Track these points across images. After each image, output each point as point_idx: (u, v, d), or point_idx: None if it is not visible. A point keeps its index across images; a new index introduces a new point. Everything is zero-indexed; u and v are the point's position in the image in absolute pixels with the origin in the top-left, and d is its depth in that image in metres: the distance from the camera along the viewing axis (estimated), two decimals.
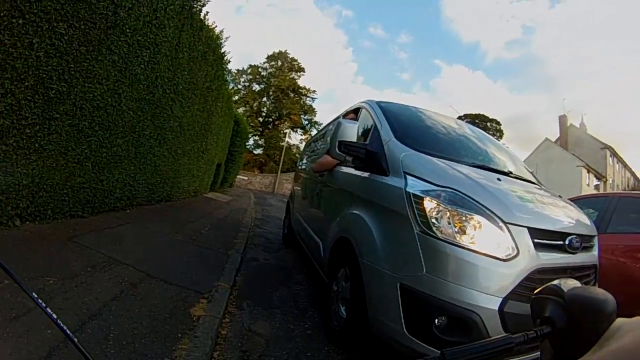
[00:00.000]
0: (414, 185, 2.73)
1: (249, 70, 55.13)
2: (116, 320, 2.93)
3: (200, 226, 7.55)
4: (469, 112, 55.47)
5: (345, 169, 4.07)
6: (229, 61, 11.84)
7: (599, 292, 0.62)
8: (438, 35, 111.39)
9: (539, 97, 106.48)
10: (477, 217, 2.46)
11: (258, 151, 54.52)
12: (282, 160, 45.01)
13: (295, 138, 56.83)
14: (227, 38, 10.77)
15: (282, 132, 53.87)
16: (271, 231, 10.08)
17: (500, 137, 53.83)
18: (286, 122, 53.50)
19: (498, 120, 55.01)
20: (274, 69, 55.34)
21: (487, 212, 2.47)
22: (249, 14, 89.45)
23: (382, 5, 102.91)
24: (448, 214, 2.48)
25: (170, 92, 7.50)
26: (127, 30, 5.36)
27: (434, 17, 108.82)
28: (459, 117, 56.33)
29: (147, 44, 6.12)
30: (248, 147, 54.35)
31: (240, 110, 46.34)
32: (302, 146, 58.52)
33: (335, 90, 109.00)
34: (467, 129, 4.78)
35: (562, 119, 42.04)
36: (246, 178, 43.78)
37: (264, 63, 55.78)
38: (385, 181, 3.04)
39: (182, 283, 4.05)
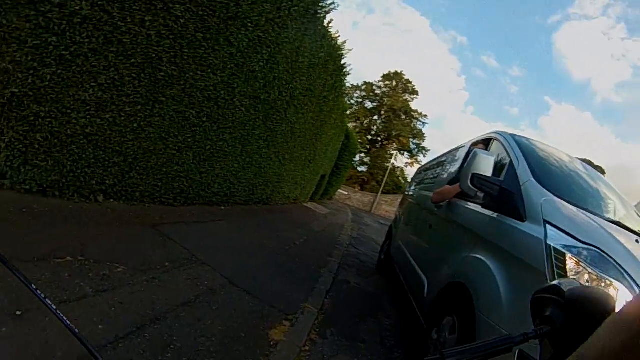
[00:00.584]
0: (556, 238, 2.31)
1: (363, 87, 55.07)
2: (182, 329, 2.48)
3: (295, 236, 7.09)
4: (576, 156, 49.78)
5: (471, 205, 3.48)
6: (348, 74, 11.43)
7: (599, 291, 0.63)
8: (549, 70, 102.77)
9: None
10: (616, 284, 2.09)
11: (362, 168, 54.16)
12: (384, 181, 44.06)
13: (401, 161, 55.60)
14: (349, 50, 10.35)
15: (388, 152, 52.95)
16: (366, 253, 9.35)
17: None
18: (394, 144, 52.45)
19: (603, 168, 48.79)
20: (388, 89, 54.73)
21: (629, 280, 2.11)
22: (364, 30, 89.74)
23: (496, 35, 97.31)
24: (587, 276, 2.13)
25: (287, 96, 7.18)
26: (249, 25, 5.10)
27: (545, 50, 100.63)
28: None
29: (268, 42, 5.83)
30: (353, 163, 54.44)
31: (351, 125, 46.36)
32: (407, 170, 57.06)
33: (444, 117, 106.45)
34: (600, 178, 4.29)
35: None
36: (346, 193, 43.47)
37: (379, 82, 55.41)
38: (520, 227, 2.58)
39: (266, 298, 3.56)
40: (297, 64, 7.19)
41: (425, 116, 53.76)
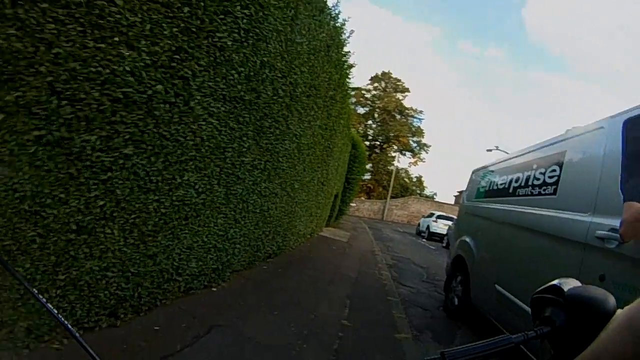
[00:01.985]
0: None
1: (352, 92, 52.61)
2: None
3: (334, 305, 4.52)
4: None
5: None
6: (353, 65, 8.87)
7: (598, 291, 0.61)
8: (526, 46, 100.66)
9: None
10: None
11: (366, 177, 51.51)
12: (391, 185, 41.44)
13: (403, 162, 53.01)
14: (351, 32, 7.79)
15: (389, 155, 50.39)
16: (418, 289, 6.95)
17: None
18: (394, 145, 49.91)
19: None
20: (378, 91, 52.37)
21: None
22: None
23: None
24: None
25: (285, 95, 4.59)
26: None
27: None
28: None
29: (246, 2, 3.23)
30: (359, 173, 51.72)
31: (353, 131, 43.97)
32: (411, 170, 54.56)
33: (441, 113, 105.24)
34: None
35: None
36: (354, 205, 40.66)
37: (367, 85, 53.13)
38: None
39: None
40: (294, 45, 4.61)
41: (421, 112, 51.41)
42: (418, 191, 51.31)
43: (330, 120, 7.45)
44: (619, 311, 0.57)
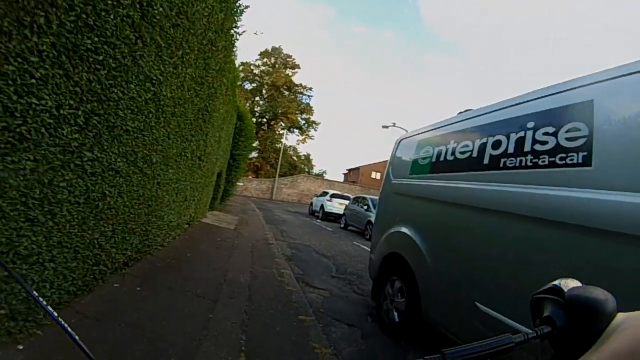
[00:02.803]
0: None
1: (240, 68, 49.82)
2: None
3: (222, 349, 2.80)
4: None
5: None
6: (244, 10, 7.02)
7: (599, 292, 0.60)
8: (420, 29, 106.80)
9: None
10: None
11: (253, 155, 49.45)
12: (279, 163, 40.04)
13: (291, 139, 52.00)
14: None
15: (277, 132, 48.90)
16: (331, 291, 5.64)
17: None
18: (282, 122, 48.47)
19: None
20: (267, 67, 50.25)
21: None
22: None
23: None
24: None
25: (131, 5, 2.70)
26: None
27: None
28: None
29: None
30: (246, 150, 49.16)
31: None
32: (299, 148, 53.75)
33: (329, 92, 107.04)
34: None
35: None
36: (242, 184, 38.62)
37: (257, 60, 50.70)
38: None
39: None
40: None
41: (310, 89, 50.63)
42: (307, 169, 50.78)
43: (209, 75, 5.55)
44: (620, 315, 0.56)
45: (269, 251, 7.49)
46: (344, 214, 17.16)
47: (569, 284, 0.64)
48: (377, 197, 16.81)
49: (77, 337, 0.69)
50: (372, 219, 13.48)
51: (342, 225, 16.97)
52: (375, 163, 57.45)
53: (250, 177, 43.10)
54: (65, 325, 0.70)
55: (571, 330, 0.59)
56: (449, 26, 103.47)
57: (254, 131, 16.33)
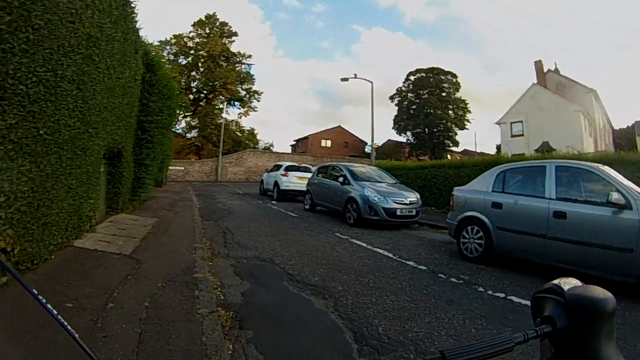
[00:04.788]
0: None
1: (172, 41, 43.15)
2: None
3: None
4: (421, 67, 47.97)
5: None
6: None
7: (599, 291, 0.60)
8: (354, 1, 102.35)
9: (463, 56, 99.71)
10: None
11: (192, 134, 43.66)
12: (222, 140, 34.93)
13: (233, 113, 46.58)
14: None
15: (217, 107, 43.28)
16: None
17: (458, 89, 47.05)
18: (221, 95, 42.77)
19: (454, 72, 47.86)
20: (201, 38, 44.01)
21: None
22: None
23: None
24: None
25: None
26: None
27: None
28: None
29: None
30: (180, 131, 43.31)
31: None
32: (242, 122, 48.28)
33: (258, 66, 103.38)
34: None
35: (538, 65, 34.15)
36: (182, 168, 33.44)
37: (190, 32, 44.25)
38: None
39: None
40: None
41: (250, 56, 45.10)
42: (252, 145, 45.68)
43: None
44: None
45: (185, 311, 3.21)
46: (307, 190, 12.65)
47: (569, 283, 0.63)
48: (353, 165, 12.72)
49: (77, 336, 0.68)
50: (354, 195, 9.42)
51: (307, 206, 12.41)
52: (324, 130, 53.56)
53: (192, 159, 37.74)
54: (66, 323, 0.69)
55: (571, 329, 0.58)
56: None
57: (177, 88, 11.35)
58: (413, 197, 9.61)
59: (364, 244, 7.02)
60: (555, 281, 0.65)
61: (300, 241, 7.03)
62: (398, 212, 9.01)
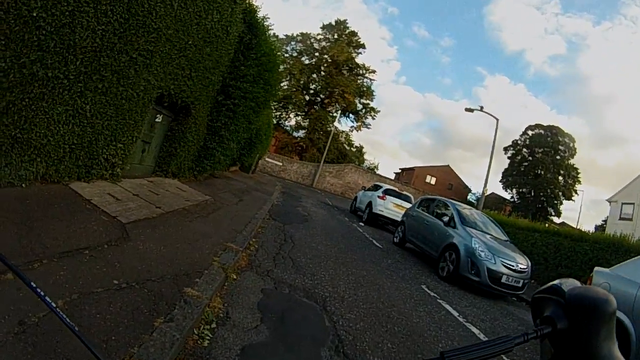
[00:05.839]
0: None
1: (299, 38, 44.06)
2: None
3: None
4: (540, 123, 43.41)
5: None
6: None
7: (599, 292, 0.58)
8: (481, 42, 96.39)
9: (579, 120, 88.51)
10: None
11: (299, 133, 43.69)
12: (327, 147, 34.17)
13: (345, 124, 45.83)
14: None
15: (331, 114, 42.83)
16: None
17: (573, 155, 41.54)
18: (337, 104, 42.23)
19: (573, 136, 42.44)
20: (328, 42, 44.13)
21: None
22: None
23: (426, 4, 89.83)
24: None
25: None
26: None
27: (476, 22, 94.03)
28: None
29: None
30: (287, 128, 43.62)
31: (284, 84, 35.19)
32: (352, 135, 47.34)
33: (377, 87, 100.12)
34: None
35: None
36: (280, 163, 33.34)
37: (318, 34, 44.67)
38: None
39: None
40: None
41: (374, 72, 44.06)
42: (357, 162, 44.37)
43: None
44: None
45: None
46: (402, 221, 10.39)
47: (569, 284, 0.62)
48: (461, 204, 10.62)
49: (76, 329, 0.66)
50: (457, 243, 7.12)
51: (396, 239, 10.23)
52: (430, 166, 50.67)
53: (293, 158, 37.61)
54: (65, 317, 0.66)
55: (571, 330, 0.57)
56: (512, 41, 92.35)
57: (279, 65, 10.11)
58: (524, 263, 7.09)
59: (455, 313, 4.90)
60: (556, 282, 0.63)
61: (375, 284, 5.10)
62: (503, 279, 6.55)
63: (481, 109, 18.25)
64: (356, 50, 44.90)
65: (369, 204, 13.56)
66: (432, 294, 5.57)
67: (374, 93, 44.77)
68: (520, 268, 6.86)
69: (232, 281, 3.38)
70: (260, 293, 3.39)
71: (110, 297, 2.21)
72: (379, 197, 13.28)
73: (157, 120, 5.58)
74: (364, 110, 44.16)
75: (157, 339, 1.93)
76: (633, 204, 26.64)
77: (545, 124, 42.93)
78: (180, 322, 2.17)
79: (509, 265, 6.73)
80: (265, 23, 8.10)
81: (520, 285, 6.79)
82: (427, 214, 9.09)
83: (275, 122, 30.86)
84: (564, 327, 0.57)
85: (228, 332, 2.50)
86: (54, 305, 0.67)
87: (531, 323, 2.47)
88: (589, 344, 0.56)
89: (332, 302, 3.77)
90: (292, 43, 43.21)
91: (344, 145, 44.54)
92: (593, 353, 0.56)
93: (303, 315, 3.27)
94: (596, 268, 5.29)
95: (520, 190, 42.41)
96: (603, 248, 9.11)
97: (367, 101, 44.00)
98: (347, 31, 44.89)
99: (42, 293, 0.68)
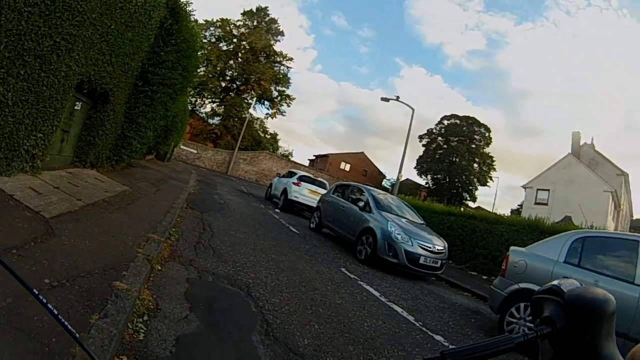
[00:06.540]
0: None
1: (218, 24, 42.62)
2: None
3: None
4: (457, 113, 46.70)
5: None
6: None
7: (599, 292, 0.59)
8: (401, 34, 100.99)
9: (496, 112, 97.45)
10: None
11: (215, 120, 42.53)
12: (242, 134, 33.78)
13: (260, 111, 45.50)
14: None
15: (246, 101, 42.23)
16: None
17: (488, 144, 45.46)
18: (253, 90, 41.75)
19: (489, 127, 46.39)
20: (247, 29, 43.29)
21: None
22: None
23: None
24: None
25: None
26: None
27: (397, 15, 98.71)
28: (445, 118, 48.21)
29: None
30: (202, 115, 42.25)
31: (201, 71, 33.80)
32: (267, 122, 47.19)
33: (293, 74, 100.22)
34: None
35: (576, 136, 32.91)
36: (195, 151, 32.37)
37: (238, 21, 43.58)
38: None
39: None
40: None
41: (291, 59, 44.20)
42: (272, 149, 44.38)
43: None
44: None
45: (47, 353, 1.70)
46: (317, 207, 10.79)
47: (569, 284, 0.62)
48: (376, 189, 11.19)
49: (77, 335, 0.67)
50: (373, 227, 7.61)
51: (312, 225, 10.58)
52: (346, 153, 52.26)
53: (208, 145, 36.61)
54: (65, 322, 0.66)
55: (571, 330, 0.58)
56: (432, 34, 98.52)
57: (198, 49, 9.89)
58: (441, 245, 7.84)
59: (377, 294, 5.36)
60: (555, 282, 0.63)
61: (296, 269, 5.37)
62: (421, 260, 7.20)
63: (397, 98, 19.25)
64: (275, 37, 44.72)
65: (284, 191, 13.76)
66: (352, 276, 6.00)
67: (290, 80, 44.93)
68: (437, 249, 7.55)
69: (158, 272, 3.44)
70: (186, 283, 3.50)
71: (44, 297, 2.20)
72: (294, 183, 13.52)
73: (76, 107, 5.26)
74: (279, 98, 44.23)
75: (96, 336, 1.98)
76: (548, 190, 30.15)
77: (461, 115, 45.73)
78: (115, 317, 2.23)
79: (426, 247, 7.35)
80: (187, 8, 7.90)
81: (438, 265, 7.46)
82: (342, 199, 9.55)
83: (190, 108, 29.72)
84: (564, 328, 0.58)
85: (160, 324, 2.59)
86: (51, 307, 0.68)
87: (452, 299, 2.96)
88: (589, 344, 0.56)
89: (255, 288, 3.98)
90: (212, 29, 41.73)
91: (259, 132, 44.32)
92: (593, 353, 0.57)
93: (230, 303, 3.43)
94: (512, 247, 5.67)
95: (435, 176, 45.14)
96: (519, 230, 9.66)
97: (283, 88, 44.15)
98: (267, 18, 44.47)
99: (44, 300, 0.69)
